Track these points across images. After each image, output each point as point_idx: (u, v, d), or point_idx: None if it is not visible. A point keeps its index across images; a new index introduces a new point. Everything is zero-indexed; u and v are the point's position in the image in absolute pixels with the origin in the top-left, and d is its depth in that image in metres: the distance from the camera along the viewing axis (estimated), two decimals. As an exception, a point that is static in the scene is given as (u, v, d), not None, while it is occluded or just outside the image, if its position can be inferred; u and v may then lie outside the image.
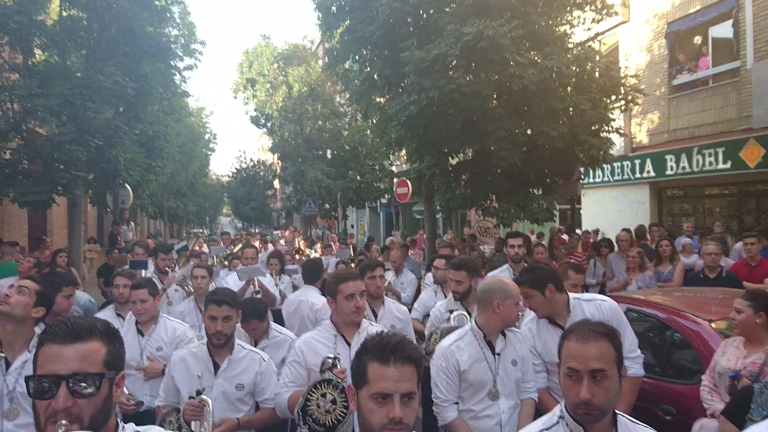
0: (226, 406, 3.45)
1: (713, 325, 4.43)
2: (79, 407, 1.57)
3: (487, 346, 3.49)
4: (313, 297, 5.58)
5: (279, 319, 5.72)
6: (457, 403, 3.47)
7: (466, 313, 4.65)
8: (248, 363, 3.53)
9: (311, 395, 3.12)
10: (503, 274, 6.44)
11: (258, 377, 3.52)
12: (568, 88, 10.84)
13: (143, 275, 6.07)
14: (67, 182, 10.48)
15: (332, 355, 3.26)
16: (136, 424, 1.84)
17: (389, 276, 7.19)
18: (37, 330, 3.27)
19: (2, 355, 3.12)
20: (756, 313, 3.67)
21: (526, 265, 6.68)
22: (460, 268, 4.98)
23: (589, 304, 3.80)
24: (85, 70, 11.31)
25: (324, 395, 3.09)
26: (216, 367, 3.46)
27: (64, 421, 1.51)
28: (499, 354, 3.49)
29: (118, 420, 1.76)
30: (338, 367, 3.20)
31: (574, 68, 10.49)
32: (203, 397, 3.16)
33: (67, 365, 1.58)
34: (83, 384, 1.58)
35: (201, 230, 46.19)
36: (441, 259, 6.39)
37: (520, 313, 3.65)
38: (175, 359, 3.55)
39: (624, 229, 10.77)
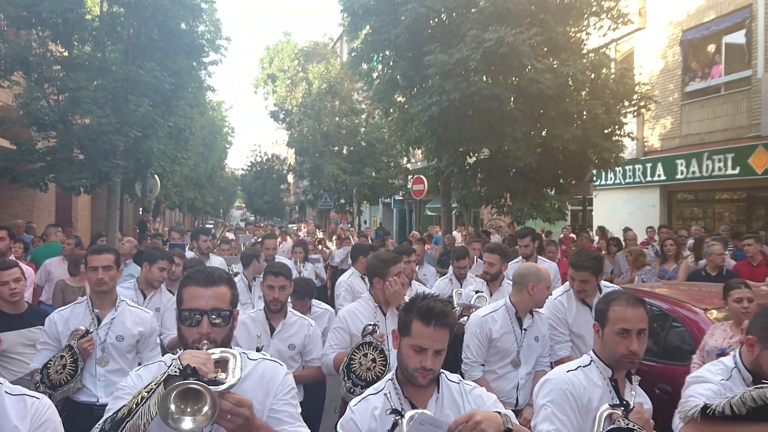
0: None
1: (708, 314, 4.93)
2: (215, 333, 2.06)
3: (517, 322, 4.09)
4: (343, 276, 6.33)
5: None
6: (483, 364, 4.09)
7: (487, 296, 5.27)
8: (299, 327, 4.15)
9: (354, 355, 3.67)
10: (518, 266, 7.06)
11: (306, 339, 4.14)
12: (583, 93, 11.31)
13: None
14: (108, 170, 11.12)
15: (372, 322, 3.80)
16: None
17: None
18: (80, 298, 3.97)
19: (96, 312, 3.72)
20: None
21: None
22: (495, 252, 5.64)
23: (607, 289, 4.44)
24: (123, 65, 11.89)
25: (365, 355, 3.64)
26: (272, 329, 4.08)
27: (205, 341, 2.04)
28: (525, 330, 4.10)
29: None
30: (377, 332, 3.74)
31: (589, 74, 10.95)
32: (263, 353, 3.71)
33: (207, 302, 2.06)
34: (217, 315, 2.07)
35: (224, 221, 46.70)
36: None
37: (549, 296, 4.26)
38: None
39: (629, 229, 11.20)
